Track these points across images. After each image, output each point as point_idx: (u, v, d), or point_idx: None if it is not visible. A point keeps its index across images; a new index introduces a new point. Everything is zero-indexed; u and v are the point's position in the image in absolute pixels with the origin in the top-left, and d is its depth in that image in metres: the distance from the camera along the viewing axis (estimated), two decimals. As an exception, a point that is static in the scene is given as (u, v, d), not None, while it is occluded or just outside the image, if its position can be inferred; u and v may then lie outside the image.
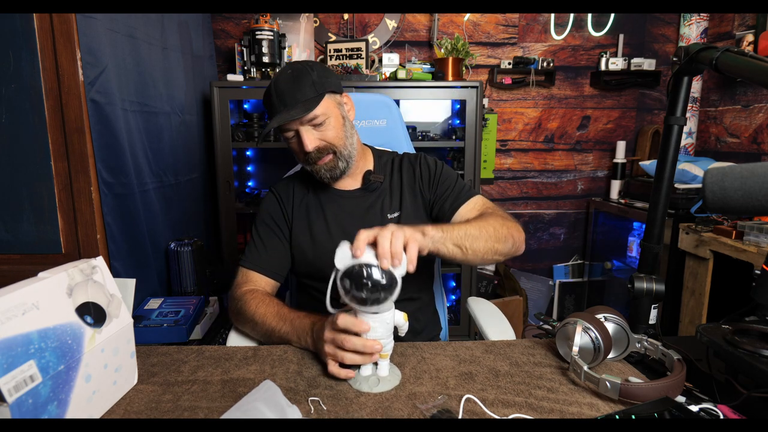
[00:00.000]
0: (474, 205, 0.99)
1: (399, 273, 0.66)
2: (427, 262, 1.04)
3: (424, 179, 1.04)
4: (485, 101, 2.29)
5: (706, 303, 1.71)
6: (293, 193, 1.06)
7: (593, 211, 2.54)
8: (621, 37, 2.40)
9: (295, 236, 1.03)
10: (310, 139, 0.92)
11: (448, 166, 1.07)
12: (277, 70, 1.47)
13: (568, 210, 2.63)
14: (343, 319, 0.68)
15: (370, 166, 1.07)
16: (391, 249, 0.65)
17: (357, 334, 0.69)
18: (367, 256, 0.65)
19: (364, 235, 0.67)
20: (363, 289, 0.63)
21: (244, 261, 1.00)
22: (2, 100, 1.19)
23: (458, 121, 2.30)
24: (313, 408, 0.64)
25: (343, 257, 0.66)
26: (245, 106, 2.35)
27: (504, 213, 0.94)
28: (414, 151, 1.31)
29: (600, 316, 0.76)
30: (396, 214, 1.02)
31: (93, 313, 0.62)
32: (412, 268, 0.67)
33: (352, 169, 1.02)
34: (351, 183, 1.05)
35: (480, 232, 0.83)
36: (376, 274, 0.63)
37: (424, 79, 2.10)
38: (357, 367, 0.71)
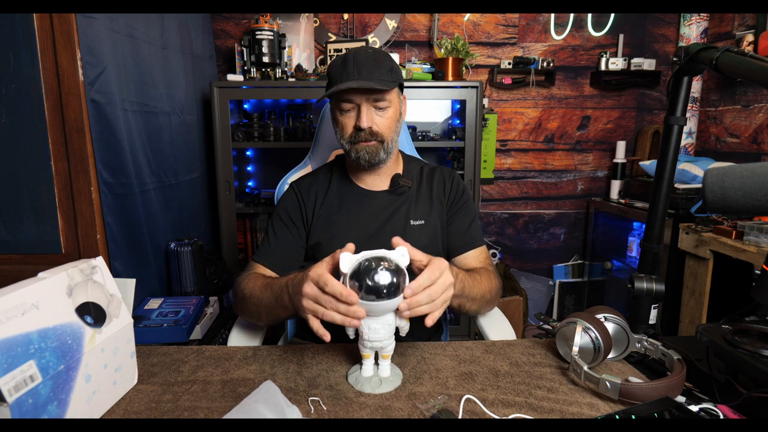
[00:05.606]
0: (479, 254, 1.03)
1: (404, 263, 0.66)
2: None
3: (450, 198, 1.05)
4: (485, 101, 2.29)
5: (706, 303, 1.70)
6: (315, 191, 1.05)
7: (593, 211, 2.54)
8: (621, 37, 2.40)
9: (312, 234, 1.02)
10: (369, 117, 0.93)
11: (472, 200, 1.10)
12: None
13: (568, 210, 2.63)
14: (333, 286, 0.64)
15: (400, 170, 1.07)
16: (431, 297, 0.66)
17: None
18: (373, 253, 0.65)
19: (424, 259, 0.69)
20: (372, 287, 0.63)
21: (255, 254, 1.01)
22: (2, 100, 1.19)
23: (458, 121, 2.30)
24: (313, 408, 0.64)
25: (349, 260, 0.65)
26: (245, 106, 2.35)
27: (496, 273, 1.00)
28: (415, 151, 1.31)
29: (600, 316, 0.76)
30: (420, 222, 1.01)
31: (93, 313, 0.62)
32: (430, 323, 0.67)
33: (384, 167, 1.02)
34: (379, 183, 1.04)
35: (481, 296, 0.90)
36: (383, 274, 0.63)
37: (424, 79, 2.10)
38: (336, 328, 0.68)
